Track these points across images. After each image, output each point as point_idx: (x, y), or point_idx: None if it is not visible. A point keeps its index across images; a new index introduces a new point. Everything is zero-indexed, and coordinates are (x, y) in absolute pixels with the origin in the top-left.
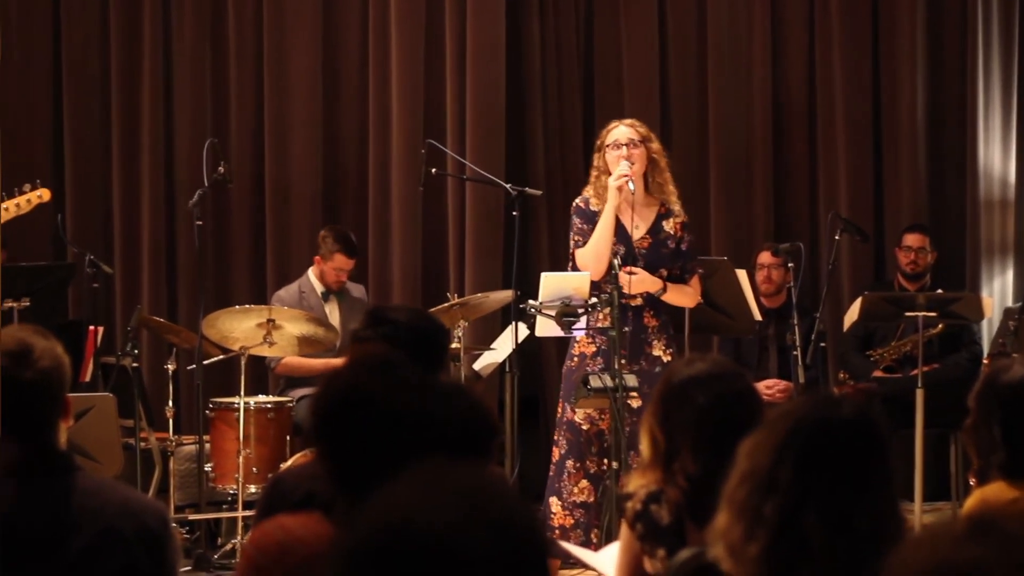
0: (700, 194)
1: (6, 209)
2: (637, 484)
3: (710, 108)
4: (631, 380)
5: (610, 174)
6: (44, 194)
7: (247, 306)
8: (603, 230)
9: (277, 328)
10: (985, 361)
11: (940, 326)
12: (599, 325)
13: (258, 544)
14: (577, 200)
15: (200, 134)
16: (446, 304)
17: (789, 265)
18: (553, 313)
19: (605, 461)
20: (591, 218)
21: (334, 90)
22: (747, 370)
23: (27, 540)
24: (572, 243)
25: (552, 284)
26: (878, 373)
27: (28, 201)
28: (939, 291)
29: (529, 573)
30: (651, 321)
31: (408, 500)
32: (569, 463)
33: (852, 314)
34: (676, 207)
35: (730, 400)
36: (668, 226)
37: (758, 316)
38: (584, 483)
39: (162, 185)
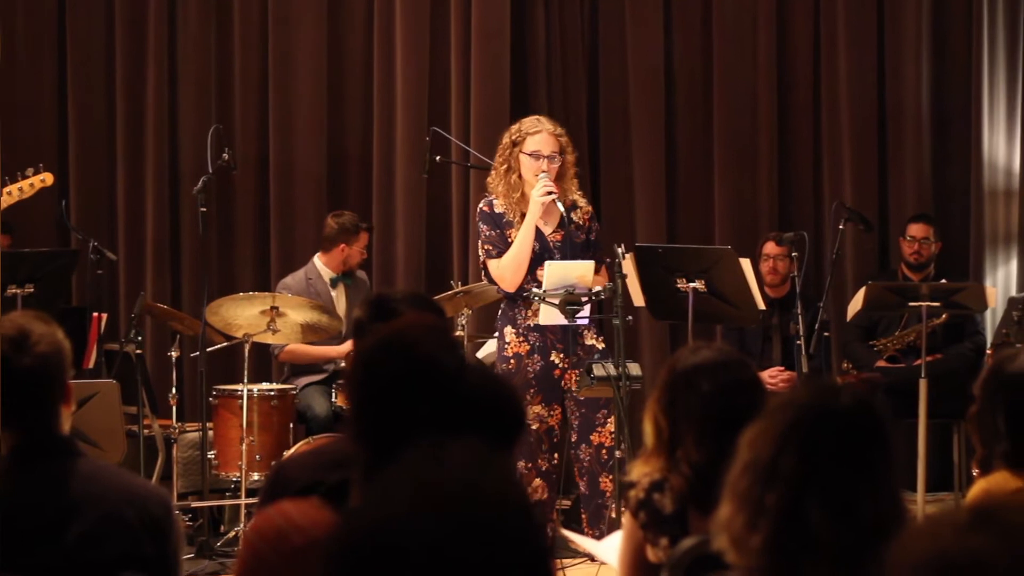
0: (704, 182)
1: (8, 193)
2: (640, 472)
3: (715, 97)
4: (634, 368)
5: (519, 174)
6: (47, 178)
7: (251, 293)
8: (524, 241)
9: (281, 315)
10: (988, 351)
11: (944, 316)
12: (529, 323)
13: (258, 530)
14: (481, 204)
15: (204, 120)
16: (450, 292)
17: (793, 255)
18: (557, 302)
19: (556, 456)
20: (498, 221)
21: (339, 77)
22: (751, 359)
23: (28, 525)
24: (482, 252)
25: (556, 273)
26: (881, 363)
27: (31, 185)
28: (943, 281)
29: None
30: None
31: (395, 503)
32: (520, 464)
33: (856, 304)
34: (581, 201)
35: (735, 389)
36: (576, 217)
37: (762, 305)
38: (537, 482)
39: (166, 171)
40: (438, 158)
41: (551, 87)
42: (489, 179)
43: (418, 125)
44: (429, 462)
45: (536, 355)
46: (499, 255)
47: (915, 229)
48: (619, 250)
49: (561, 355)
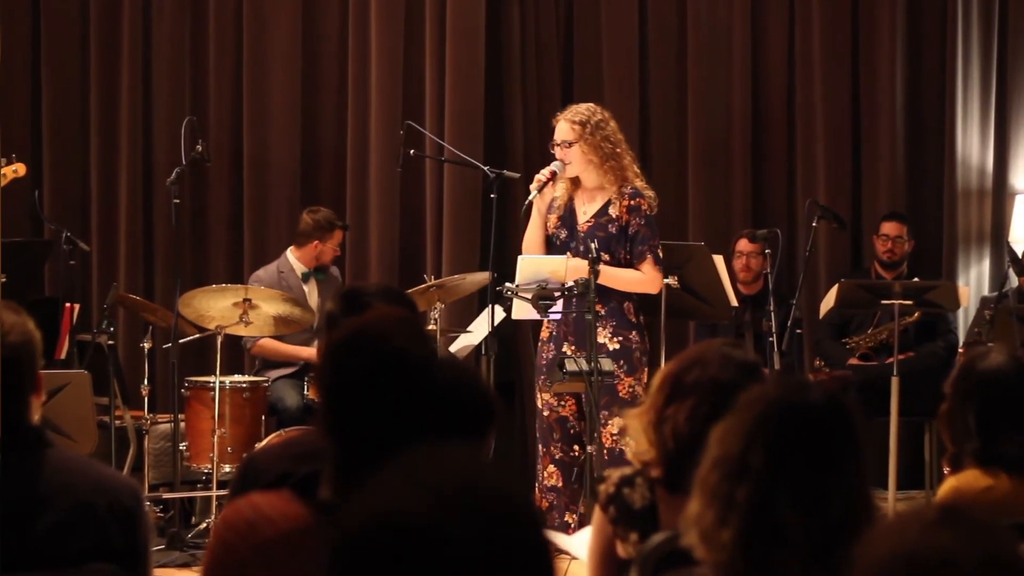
0: (678, 180)
1: None
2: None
3: (689, 94)
4: (606, 364)
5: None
6: (19, 169)
7: (223, 285)
8: (530, 232)
9: (253, 308)
10: (960, 350)
11: (916, 314)
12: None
13: (228, 521)
14: None
15: (179, 112)
16: (423, 286)
17: (766, 252)
18: (529, 296)
19: (576, 448)
20: (550, 207)
21: (313, 70)
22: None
23: None
24: None
25: (529, 267)
26: (853, 361)
27: (3, 176)
28: (915, 279)
29: (523, 567)
30: (596, 308)
31: (393, 491)
32: (540, 448)
33: (828, 301)
34: (626, 190)
35: (740, 391)
36: (613, 210)
37: (734, 302)
38: (551, 468)
39: (140, 163)
40: (412, 152)
41: (526, 84)
42: None
43: (392, 119)
44: (427, 458)
45: (551, 344)
46: None
47: (888, 227)
48: (593, 246)
49: (573, 347)
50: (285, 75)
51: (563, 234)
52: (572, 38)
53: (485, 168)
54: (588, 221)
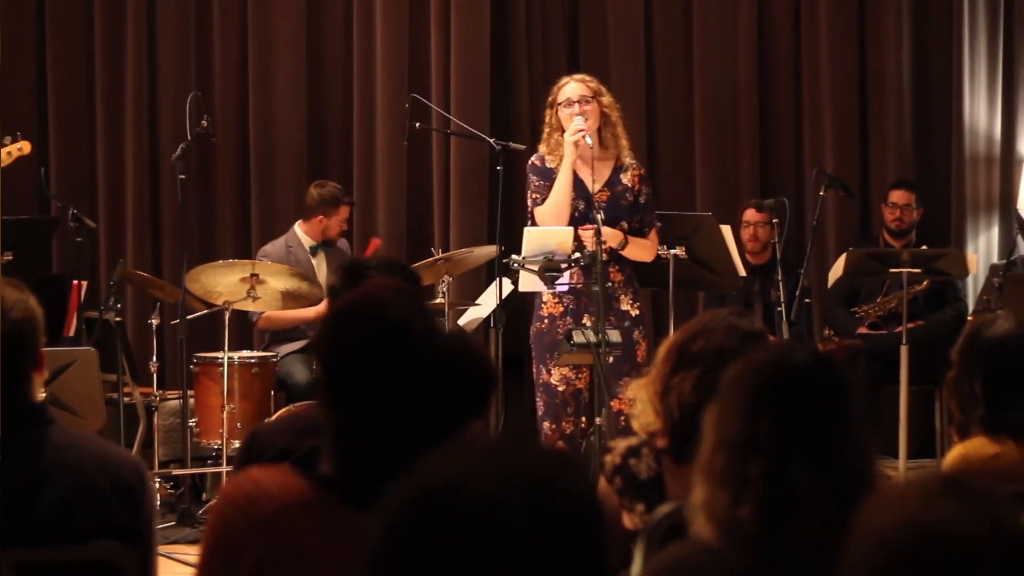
0: (685, 149)
1: None
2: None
3: (695, 64)
4: (614, 335)
5: (563, 131)
6: (24, 147)
7: (231, 260)
8: (561, 186)
9: (261, 283)
10: (970, 318)
11: (925, 282)
12: (572, 283)
13: (227, 496)
14: (532, 158)
15: (184, 87)
16: (430, 259)
17: (774, 221)
18: (536, 268)
19: (584, 420)
20: (548, 175)
21: (318, 43)
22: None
23: (1, 493)
24: (530, 201)
25: (535, 239)
26: (863, 330)
27: (8, 154)
28: (924, 247)
29: (578, 552)
30: (616, 276)
31: (453, 466)
32: (546, 425)
33: (837, 270)
34: (629, 159)
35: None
36: (626, 179)
37: (743, 272)
38: (560, 444)
39: (146, 139)
40: (418, 125)
41: (531, 56)
42: (540, 146)
43: (398, 93)
44: (507, 441)
45: (569, 317)
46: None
47: (897, 196)
48: (599, 217)
49: (593, 319)
50: (290, 49)
51: (581, 205)
52: (577, 9)
53: (491, 140)
54: (603, 191)
